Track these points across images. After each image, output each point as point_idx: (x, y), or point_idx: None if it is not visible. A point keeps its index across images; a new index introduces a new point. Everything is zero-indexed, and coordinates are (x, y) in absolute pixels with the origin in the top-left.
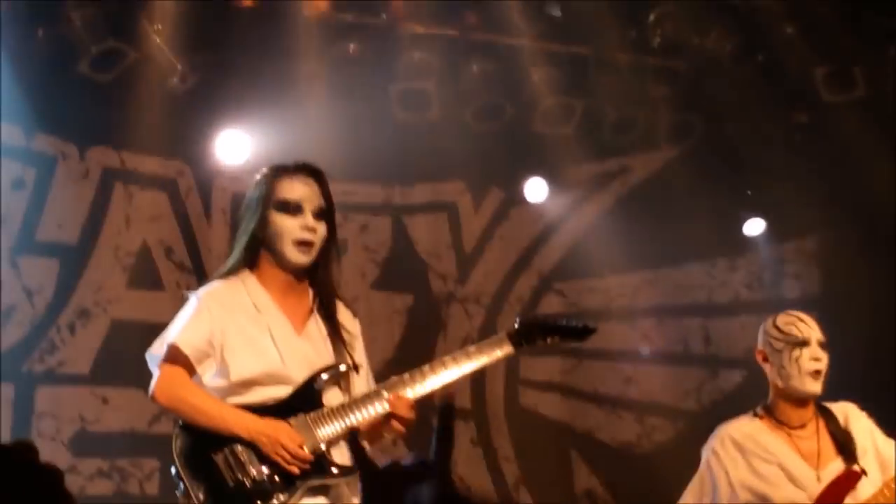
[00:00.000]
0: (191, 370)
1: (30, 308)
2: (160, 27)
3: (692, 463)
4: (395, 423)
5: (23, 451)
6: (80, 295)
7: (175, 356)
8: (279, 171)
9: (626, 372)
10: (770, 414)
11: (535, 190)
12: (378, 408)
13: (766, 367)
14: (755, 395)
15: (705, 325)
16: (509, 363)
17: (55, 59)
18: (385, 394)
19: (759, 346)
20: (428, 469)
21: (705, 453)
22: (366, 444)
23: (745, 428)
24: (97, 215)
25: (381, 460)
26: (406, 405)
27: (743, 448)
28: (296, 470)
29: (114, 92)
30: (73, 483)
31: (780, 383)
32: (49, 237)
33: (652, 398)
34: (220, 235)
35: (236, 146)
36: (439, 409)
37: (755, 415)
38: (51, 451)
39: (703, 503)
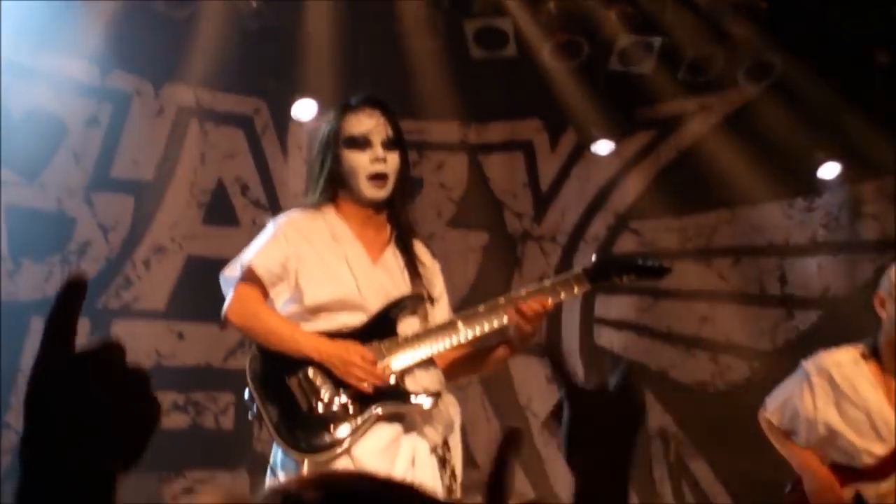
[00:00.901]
0: (264, 293)
1: (105, 244)
2: None
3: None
4: (517, 333)
5: (109, 351)
6: (156, 231)
7: (250, 277)
8: (345, 108)
9: (702, 311)
10: (877, 358)
11: (602, 148)
12: (454, 339)
13: (882, 313)
14: (829, 335)
15: (781, 264)
16: (585, 302)
17: None
18: (460, 324)
19: (879, 290)
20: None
21: (800, 376)
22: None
23: (846, 369)
24: (172, 152)
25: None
26: (535, 311)
27: (837, 388)
28: (368, 388)
29: (189, 29)
30: None
31: (892, 333)
32: (124, 174)
33: (727, 338)
34: (296, 172)
35: (309, 108)
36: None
37: (862, 355)
38: None
39: (784, 416)
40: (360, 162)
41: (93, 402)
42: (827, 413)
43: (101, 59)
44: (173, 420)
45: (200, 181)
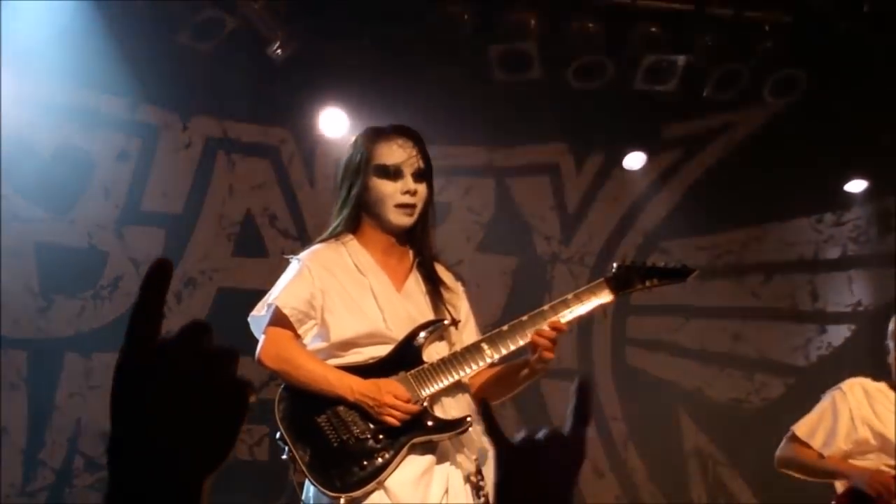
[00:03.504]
0: (295, 332)
1: (136, 278)
2: None
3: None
4: (539, 357)
5: (194, 334)
6: (187, 264)
7: (278, 318)
8: (377, 135)
9: (734, 329)
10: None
11: (634, 161)
12: (479, 362)
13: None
14: (862, 350)
15: (812, 280)
16: (615, 323)
17: (156, 30)
18: (485, 346)
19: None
20: (565, 442)
21: (829, 394)
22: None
23: (872, 383)
24: (201, 184)
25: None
26: (550, 335)
27: (869, 394)
28: (400, 424)
29: (214, 61)
30: None
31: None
32: (154, 207)
33: (761, 355)
34: (324, 201)
35: (337, 122)
36: (577, 383)
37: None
38: None
39: (817, 432)
40: (390, 191)
41: (178, 391)
42: (865, 414)
43: (129, 94)
44: None
45: (229, 213)
